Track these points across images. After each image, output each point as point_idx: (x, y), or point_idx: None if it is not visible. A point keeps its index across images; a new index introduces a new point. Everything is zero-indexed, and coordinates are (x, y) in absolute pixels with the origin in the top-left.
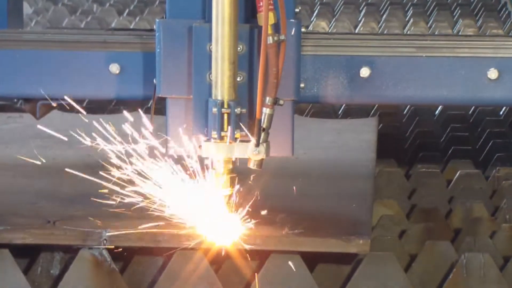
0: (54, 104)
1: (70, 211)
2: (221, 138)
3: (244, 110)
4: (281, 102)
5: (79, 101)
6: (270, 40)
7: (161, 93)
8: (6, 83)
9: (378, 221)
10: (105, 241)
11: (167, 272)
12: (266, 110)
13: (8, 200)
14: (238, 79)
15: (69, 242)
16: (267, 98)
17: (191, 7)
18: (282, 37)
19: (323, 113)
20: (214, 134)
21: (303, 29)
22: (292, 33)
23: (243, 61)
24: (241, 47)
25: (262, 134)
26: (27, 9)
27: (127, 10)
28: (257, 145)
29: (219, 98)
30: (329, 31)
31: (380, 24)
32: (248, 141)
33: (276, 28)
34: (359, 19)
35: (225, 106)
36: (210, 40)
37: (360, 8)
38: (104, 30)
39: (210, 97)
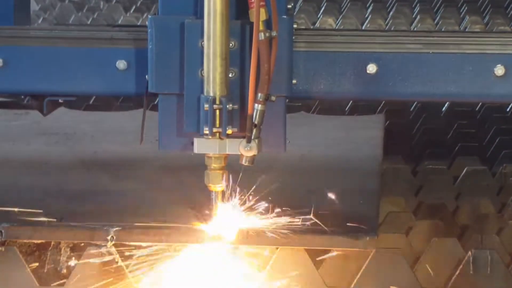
0: (61, 101)
1: (77, 208)
2: (213, 134)
3: (236, 106)
4: (273, 98)
5: (86, 98)
6: (261, 36)
7: (153, 89)
8: (13, 79)
9: (385, 218)
10: (112, 238)
11: None
12: (258, 106)
13: (15, 197)
14: (230, 75)
15: (76, 239)
16: (259, 94)
17: (183, 4)
18: (274, 33)
19: (330, 110)
20: (206, 130)
21: (295, 25)
22: (284, 29)
23: (235, 57)
24: (233, 43)
25: (254, 130)
26: (33, 5)
27: (134, 7)
28: (249, 141)
29: (211, 94)
30: (336, 27)
31: (387, 21)
32: (240, 137)
33: (268, 24)
34: (366, 16)
35: (217, 102)
36: (202, 36)
37: (367, 5)
38: (111, 26)
39: (202, 93)
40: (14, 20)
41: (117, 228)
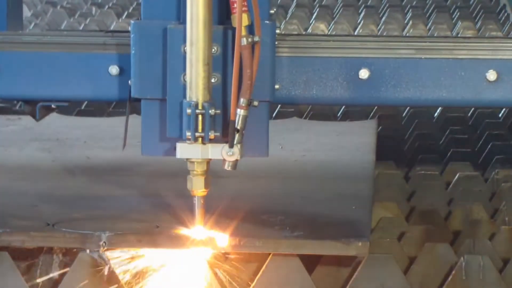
0: (54, 106)
1: (70, 213)
2: (196, 139)
3: (218, 111)
4: (255, 103)
5: (77, 103)
6: (244, 41)
7: (136, 94)
8: (5, 84)
9: (378, 223)
10: (104, 244)
11: None
12: (241, 112)
13: (7, 203)
14: (213, 80)
15: (69, 245)
16: (242, 100)
17: (165, 9)
18: (256, 38)
19: (323, 115)
20: (189, 135)
21: (278, 31)
22: (267, 34)
23: (218, 62)
24: (215, 48)
25: (237, 136)
26: (26, 11)
27: (126, 13)
28: (231, 146)
29: (194, 99)
30: (328, 33)
31: (379, 27)
32: (223, 142)
33: (251, 29)
34: (358, 21)
35: (200, 107)
36: (184, 41)
37: (359, 11)
38: (104, 32)
39: (184, 98)
40: (7, 25)
41: (109, 234)
